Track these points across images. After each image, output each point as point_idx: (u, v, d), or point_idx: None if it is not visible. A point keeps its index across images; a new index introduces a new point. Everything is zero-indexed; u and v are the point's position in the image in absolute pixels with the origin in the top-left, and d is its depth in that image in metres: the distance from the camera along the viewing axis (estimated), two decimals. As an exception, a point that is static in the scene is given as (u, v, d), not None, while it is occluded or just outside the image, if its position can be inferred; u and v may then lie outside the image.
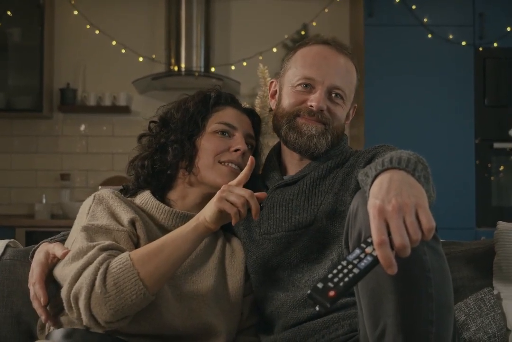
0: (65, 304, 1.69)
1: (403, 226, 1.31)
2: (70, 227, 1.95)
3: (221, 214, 1.76)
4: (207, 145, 2.01)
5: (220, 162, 2.00)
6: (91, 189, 5.59)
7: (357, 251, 1.33)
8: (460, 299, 2.04)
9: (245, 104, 2.24)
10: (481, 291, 2.06)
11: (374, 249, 1.30)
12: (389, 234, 1.30)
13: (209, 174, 1.99)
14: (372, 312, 1.52)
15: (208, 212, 1.77)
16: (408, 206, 1.33)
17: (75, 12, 5.67)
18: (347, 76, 2.05)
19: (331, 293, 1.27)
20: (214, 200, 1.77)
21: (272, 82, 2.21)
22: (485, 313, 2.00)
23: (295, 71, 2.06)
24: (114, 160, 5.68)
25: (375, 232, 1.30)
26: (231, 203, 1.74)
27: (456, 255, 2.17)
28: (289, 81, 2.07)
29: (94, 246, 1.73)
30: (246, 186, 1.87)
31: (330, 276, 1.30)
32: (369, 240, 1.34)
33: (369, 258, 1.31)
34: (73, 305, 1.66)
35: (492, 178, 5.14)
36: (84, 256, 1.71)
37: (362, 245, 1.35)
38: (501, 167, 5.18)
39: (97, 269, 1.65)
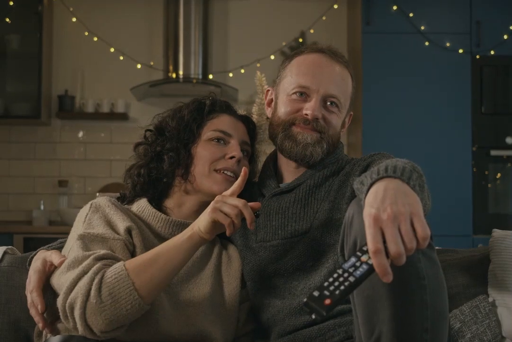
0: (61, 314, 1.70)
1: (398, 234, 1.32)
2: (68, 233, 1.96)
3: (215, 224, 1.76)
4: (203, 153, 2.02)
5: (215, 170, 2.00)
6: (89, 195, 5.60)
7: (353, 259, 1.34)
8: (455, 306, 2.05)
9: (242, 111, 2.24)
10: (476, 299, 2.07)
11: (369, 257, 1.31)
12: (384, 242, 1.31)
13: (205, 181, 1.99)
14: (367, 319, 1.52)
15: (202, 222, 1.78)
16: (403, 214, 1.34)
17: (74, 19, 5.69)
18: (342, 85, 2.06)
19: (327, 301, 1.28)
20: (208, 210, 1.77)
21: (268, 90, 2.22)
22: (480, 320, 2.01)
23: (290, 79, 2.07)
24: (112, 167, 5.68)
25: (371, 241, 1.31)
26: (225, 214, 1.75)
27: (451, 262, 2.17)
28: (285, 90, 2.07)
29: (89, 256, 1.73)
30: (243, 193, 1.88)
31: (326, 284, 1.30)
32: (364, 248, 1.35)
33: (364, 266, 1.32)
34: (68, 315, 1.67)
35: (489, 185, 5.14)
36: (80, 265, 1.71)
37: (358, 253, 1.35)
38: (498, 175, 5.19)
39: (92, 279, 1.65)
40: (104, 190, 5.51)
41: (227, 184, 1.96)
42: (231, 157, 2.01)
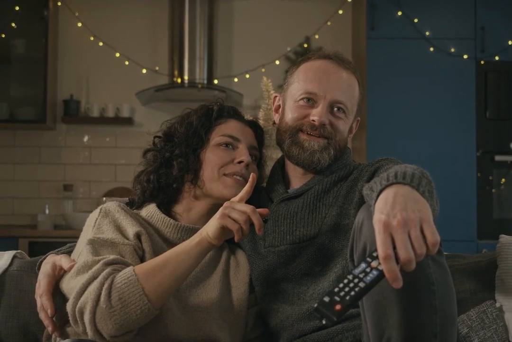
0: (70, 318, 1.71)
1: (408, 240, 1.33)
2: (73, 237, 1.97)
3: (224, 230, 1.77)
4: (212, 157, 2.02)
5: (224, 174, 2.01)
6: (94, 199, 5.61)
7: (363, 265, 1.35)
8: (463, 311, 2.05)
9: (248, 117, 2.25)
10: (483, 304, 2.06)
11: (379, 263, 1.32)
12: (394, 248, 1.32)
13: (215, 186, 2.00)
14: (376, 324, 1.53)
15: (210, 228, 1.79)
16: (413, 220, 1.35)
17: (79, 24, 5.69)
18: (349, 91, 2.07)
19: (338, 307, 1.28)
20: (216, 216, 1.78)
21: (275, 96, 2.23)
22: (488, 325, 2.01)
23: (297, 86, 2.08)
24: (117, 171, 5.68)
25: (381, 246, 1.32)
26: (234, 220, 1.76)
27: (459, 268, 2.17)
28: (292, 96, 2.09)
29: (99, 260, 1.74)
30: (251, 199, 1.89)
31: (336, 290, 1.31)
32: (374, 254, 1.36)
33: (374, 272, 1.33)
34: (78, 319, 1.68)
35: (493, 191, 5.14)
36: (89, 270, 1.72)
37: (368, 259, 1.36)
38: (502, 180, 5.19)
39: (102, 284, 1.66)
40: (109, 194, 5.51)
41: (237, 187, 1.97)
42: (240, 162, 2.02)
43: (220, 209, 1.80)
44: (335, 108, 2.04)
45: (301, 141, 2.03)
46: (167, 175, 2.03)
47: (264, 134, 2.24)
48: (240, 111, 2.19)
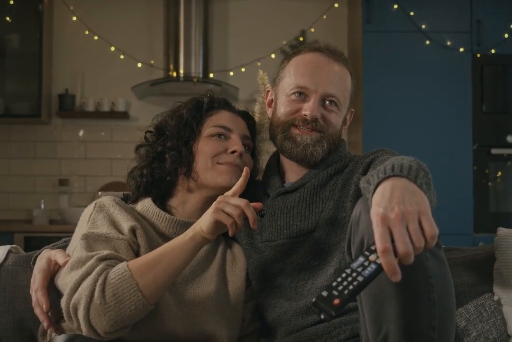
0: (64, 315, 1.70)
1: (406, 233, 1.32)
2: (68, 232, 1.95)
3: (217, 224, 1.76)
4: (204, 148, 2.01)
5: (218, 163, 2.00)
6: (90, 194, 5.60)
7: (361, 259, 1.34)
8: (461, 304, 2.04)
9: (240, 107, 2.23)
10: (481, 297, 2.06)
11: (378, 257, 1.31)
12: (392, 241, 1.31)
13: (209, 175, 1.99)
14: (374, 317, 1.53)
15: (204, 222, 1.77)
16: (411, 213, 1.34)
17: (74, 18, 5.68)
18: (340, 83, 2.06)
19: (336, 301, 1.27)
20: (210, 210, 1.77)
21: (268, 91, 2.23)
22: (486, 318, 2.01)
23: (288, 80, 2.07)
24: (113, 165, 5.68)
25: (379, 240, 1.31)
26: (227, 214, 1.74)
27: (457, 261, 2.17)
28: (283, 90, 2.08)
29: (92, 256, 1.73)
30: (246, 193, 1.88)
31: (334, 284, 1.30)
32: (372, 248, 1.35)
33: (373, 266, 1.32)
34: (72, 316, 1.67)
35: (489, 184, 5.14)
36: (83, 266, 1.71)
37: (366, 252, 1.35)
38: (499, 173, 5.18)
39: (96, 280, 1.65)
40: (105, 188, 5.50)
41: (232, 174, 1.97)
42: (233, 152, 2.01)
43: (214, 203, 1.78)
44: (327, 102, 2.03)
45: (293, 136, 2.03)
46: (161, 169, 2.02)
47: (260, 128, 2.24)
48: (230, 102, 2.18)
